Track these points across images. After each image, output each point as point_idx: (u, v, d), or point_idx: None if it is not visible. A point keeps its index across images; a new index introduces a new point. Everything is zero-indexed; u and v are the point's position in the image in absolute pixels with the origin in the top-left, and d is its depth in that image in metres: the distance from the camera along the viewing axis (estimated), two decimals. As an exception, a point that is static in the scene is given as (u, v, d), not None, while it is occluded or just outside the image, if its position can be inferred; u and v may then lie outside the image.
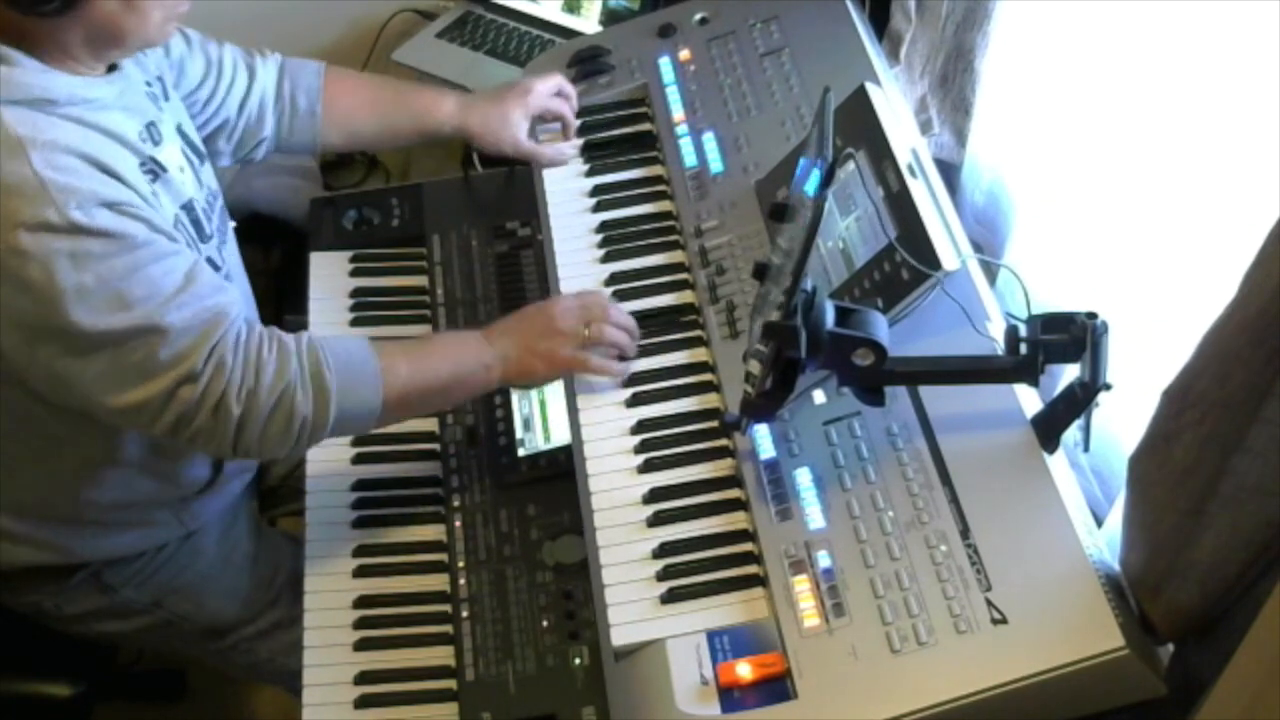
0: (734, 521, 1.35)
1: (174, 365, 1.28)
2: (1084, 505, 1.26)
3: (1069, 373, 1.27)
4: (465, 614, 1.47)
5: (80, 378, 1.28)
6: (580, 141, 1.76)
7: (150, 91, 1.45)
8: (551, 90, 1.74)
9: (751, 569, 1.30)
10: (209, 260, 1.46)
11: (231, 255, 1.58)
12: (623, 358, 1.49)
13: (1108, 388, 1.18)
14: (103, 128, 1.30)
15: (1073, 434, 1.24)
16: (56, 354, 1.26)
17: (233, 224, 1.59)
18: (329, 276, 1.81)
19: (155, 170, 1.36)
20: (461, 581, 1.50)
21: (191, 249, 1.41)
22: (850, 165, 1.42)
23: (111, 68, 1.37)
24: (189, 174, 1.46)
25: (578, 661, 1.41)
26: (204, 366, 1.29)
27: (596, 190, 1.70)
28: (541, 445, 1.59)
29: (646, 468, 1.40)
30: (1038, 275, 1.48)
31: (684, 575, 1.31)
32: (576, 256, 1.63)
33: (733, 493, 1.37)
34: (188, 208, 1.42)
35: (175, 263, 1.30)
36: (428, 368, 1.43)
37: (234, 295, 1.36)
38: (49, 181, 1.21)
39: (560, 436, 1.57)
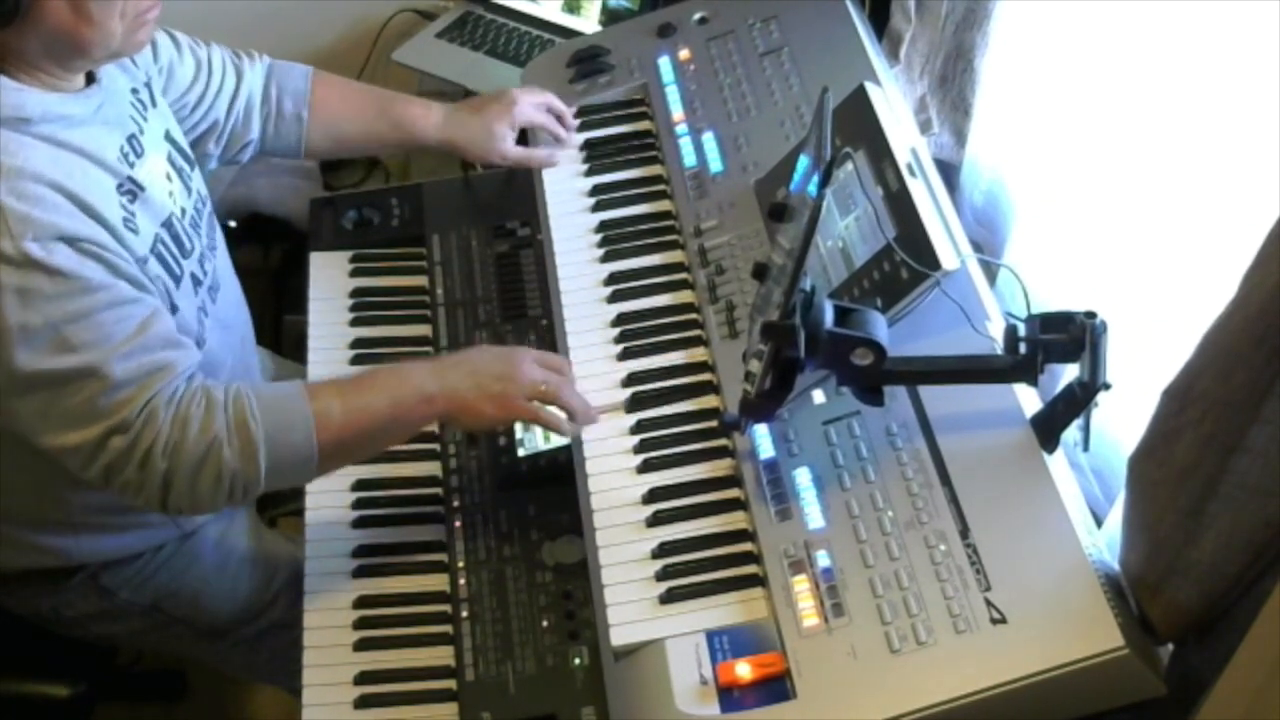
0: (733, 521, 1.35)
1: (109, 414, 1.26)
2: (1084, 505, 1.26)
3: (1069, 372, 1.27)
4: (465, 614, 1.47)
5: (16, 414, 1.27)
6: (576, 140, 1.75)
7: (136, 99, 1.43)
8: (537, 104, 1.73)
9: (751, 569, 1.30)
10: (191, 275, 1.44)
11: (220, 264, 1.56)
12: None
13: (1107, 387, 1.17)
14: (77, 147, 1.28)
15: (1072, 434, 1.24)
16: None
17: (232, 224, 1.58)
18: (329, 276, 1.80)
19: (133, 190, 1.35)
20: (461, 581, 1.50)
21: (173, 266, 1.39)
22: (850, 165, 1.42)
23: (90, 79, 1.35)
24: (176, 183, 1.45)
25: (577, 661, 1.41)
26: (136, 418, 1.26)
27: (596, 190, 1.70)
28: (541, 445, 1.59)
29: (646, 468, 1.40)
30: (1037, 275, 1.48)
31: (683, 575, 1.31)
32: (576, 256, 1.63)
33: (732, 493, 1.37)
34: (168, 224, 1.41)
35: (131, 310, 1.27)
36: (364, 406, 1.37)
37: (186, 352, 1.33)
38: (9, 210, 1.19)
39: (560, 437, 1.57)
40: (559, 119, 1.76)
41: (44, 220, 1.21)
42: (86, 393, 1.25)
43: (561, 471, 1.49)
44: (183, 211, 1.45)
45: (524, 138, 1.77)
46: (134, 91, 1.44)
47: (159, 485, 1.29)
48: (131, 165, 1.37)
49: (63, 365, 1.23)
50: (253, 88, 1.64)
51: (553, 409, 1.43)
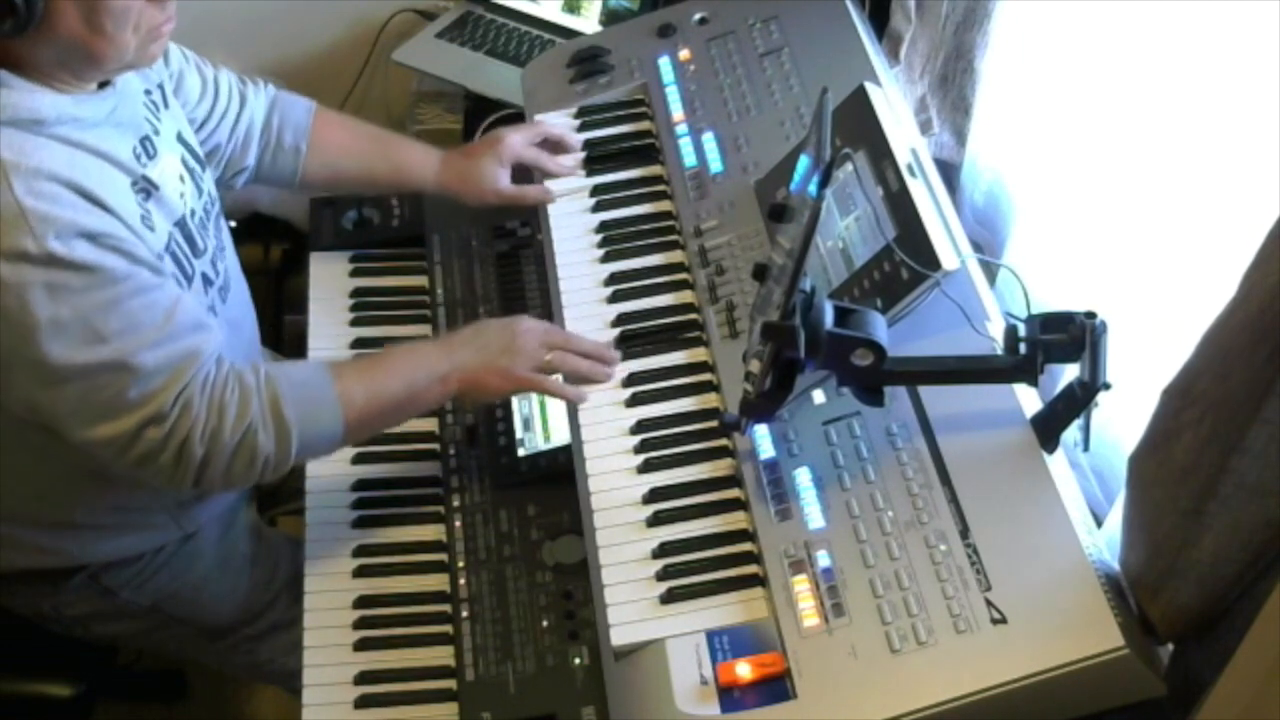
0: (734, 521, 1.35)
1: (142, 405, 1.27)
2: (1084, 505, 1.26)
3: (1069, 372, 1.27)
4: (465, 614, 1.47)
5: (49, 408, 1.28)
6: (573, 177, 1.72)
7: (149, 100, 1.44)
8: (528, 139, 1.72)
9: (751, 569, 1.30)
10: (203, 275, 1.45)
11: (229, 263, 1.57)
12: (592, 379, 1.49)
13: (1107, 387, 1.18)
14: (91, 147, 1.29)
15: (1072, 434, 1.24)
16: (27, 383, 1.26)
17: (232, 223, 1.58)
18: (329, 276, 1.81)
19: (148, 189, 1.35)
20: (461, 581, 1.50)
21: (185, 265, 1.40)
22: (850, 165, 1.42)
23: (104, 82, 1.35)
24: (188, 184, 1.45)
25: (578, 661, 1.41)
26: (172, 408, 1.28)
27: (596, 190, 1.70)
28: (541, 445, 1.59)
29: (646, 468, 1.40)
30: (1037, 275, 1.48)
31: (684, 575, 1.31)
32: (576, 256, 1.63)
33: (732, 493, 1.37)
34: (181, 224, 1.41)
35: (156, 298, 1.29)
36: (383, 387, 1.42)
37: (210, 334, 1.35)
38: (29, 210, 1.20)
39: (560, 436, 1.57)
40: (559, 142, 1.74)
41: (64, 218, 1.22)
42: (118, 385, 1.26)
43: (561, 471, 1.49)
44: (193, 212, 1.45)
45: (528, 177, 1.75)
46: (147, 93, 1.44)
47: (195, 470, 1.32)
48: (144, 165, 1.37)
49: (95, 357, 1.24)
50: (254, 115, 1.64)
51: (556, 378, 1.48)
